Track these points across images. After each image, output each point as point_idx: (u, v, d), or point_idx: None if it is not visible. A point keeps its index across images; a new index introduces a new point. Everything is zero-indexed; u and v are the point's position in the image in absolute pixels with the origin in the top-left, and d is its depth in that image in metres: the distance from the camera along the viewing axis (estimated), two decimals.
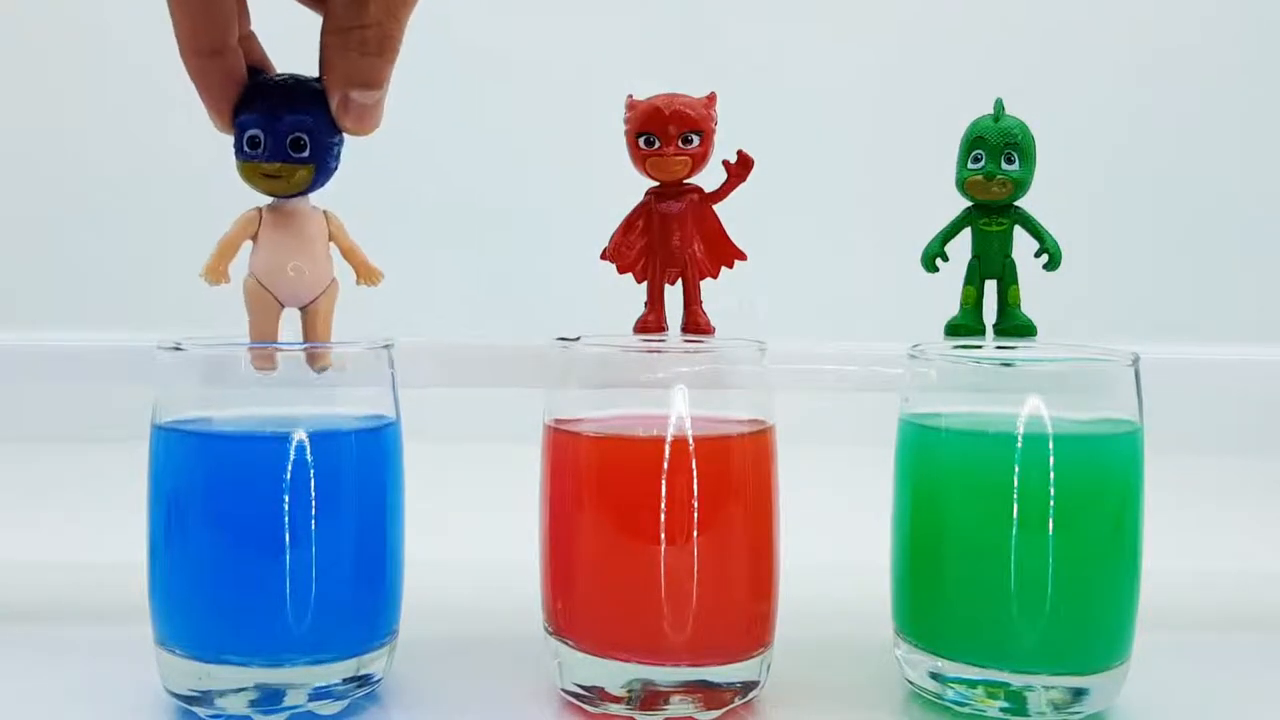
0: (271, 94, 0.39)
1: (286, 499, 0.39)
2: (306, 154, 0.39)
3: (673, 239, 0.47)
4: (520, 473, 0.47)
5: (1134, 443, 0.42)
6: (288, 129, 0.38)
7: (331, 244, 0.41)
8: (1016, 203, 0.50)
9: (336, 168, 0.40)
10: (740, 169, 0.47)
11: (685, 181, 0.47)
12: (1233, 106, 1.21)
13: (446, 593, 0.56)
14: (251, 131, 0.38)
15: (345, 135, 0.39)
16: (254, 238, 0.40)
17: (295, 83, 0.39)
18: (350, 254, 0.42)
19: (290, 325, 0.42)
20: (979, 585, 0.41)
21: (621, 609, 0.40)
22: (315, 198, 0.41)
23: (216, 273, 0.39)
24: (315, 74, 0.39)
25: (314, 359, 0.40)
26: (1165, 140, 1.21)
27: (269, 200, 0.40)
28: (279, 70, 0.40)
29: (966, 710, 0.41)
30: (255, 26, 0.41)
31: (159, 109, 1.18)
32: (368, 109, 0.39)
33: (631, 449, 0.41)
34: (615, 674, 0.40)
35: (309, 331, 0.41)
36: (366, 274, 0.42)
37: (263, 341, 0.40)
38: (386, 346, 0.43)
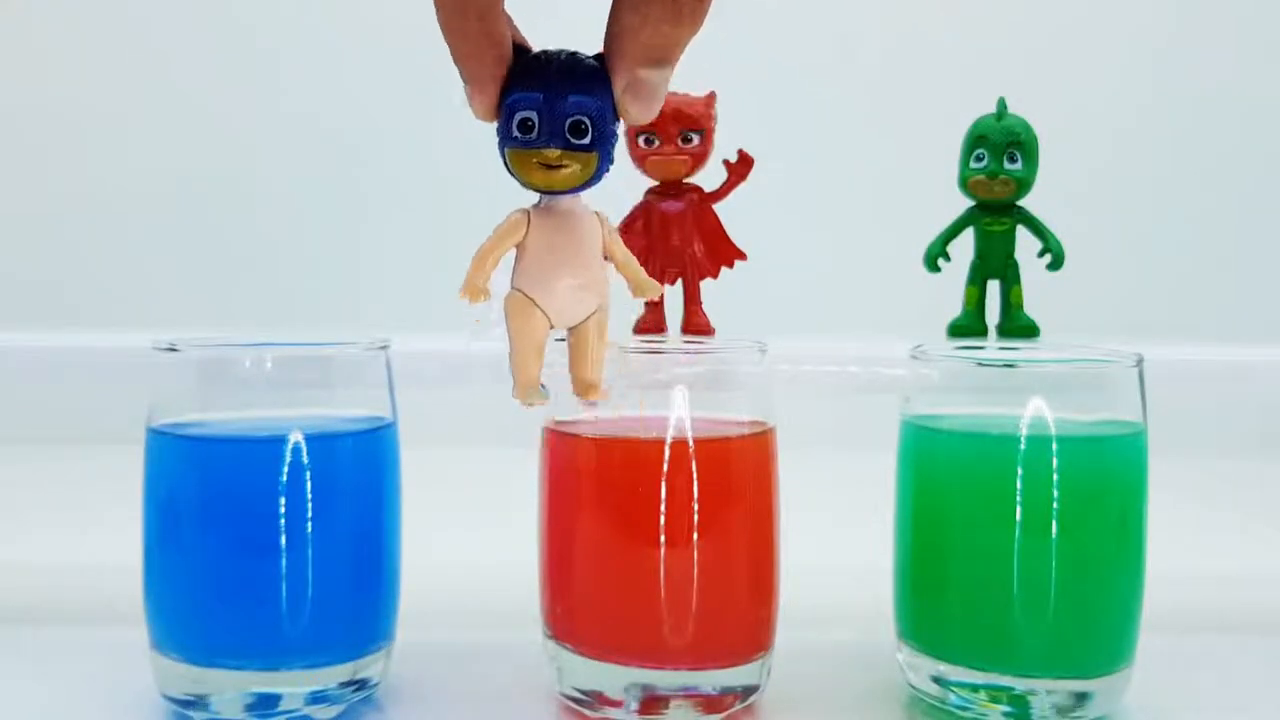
0: (547, 70, 0.32)
1: (282, 502, 0.38)
2: (588, 141, 0.32)
3: (672, 239, 0.47)
4: (519, 475, 0.47)
5: (1138, 444, 0.41)
6: (569, 110, 0.32)
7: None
8: (1019, 202, 0.49)
9: (612, 164, 0.33)
10: (740, 168, 0.47)
11: (685, 181, 0.47)
12: (1236, 106, 1.21)
13: (444, 596, 0.56)
14: (525, 113, 0.32)
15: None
16: (519, 245, 0.34)
17: (573, 59, 0.33)
18: (626, 266, 0.35)
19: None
20: (982, 588, 0.40)
21: (621, 613, 0.40)
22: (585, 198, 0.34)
23: (476, 289, 0.33)
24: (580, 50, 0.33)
25: (586, 389, 0.34)
26: (1170, 139, 1.21)
27: (534, 200, 0.34)
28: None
29: (969, 714, 0.41)
30: None
31: (159, 109, 1.19)
32: (656, 90, 0.32)
33: (631, 451, 0.41)
34: (615, 678, 0.40)
35: (577, 356, 0.35)
36: (645, 288, 0.36)
37: (527, 364, 0.33)
38: (384, 347, 0.43)
